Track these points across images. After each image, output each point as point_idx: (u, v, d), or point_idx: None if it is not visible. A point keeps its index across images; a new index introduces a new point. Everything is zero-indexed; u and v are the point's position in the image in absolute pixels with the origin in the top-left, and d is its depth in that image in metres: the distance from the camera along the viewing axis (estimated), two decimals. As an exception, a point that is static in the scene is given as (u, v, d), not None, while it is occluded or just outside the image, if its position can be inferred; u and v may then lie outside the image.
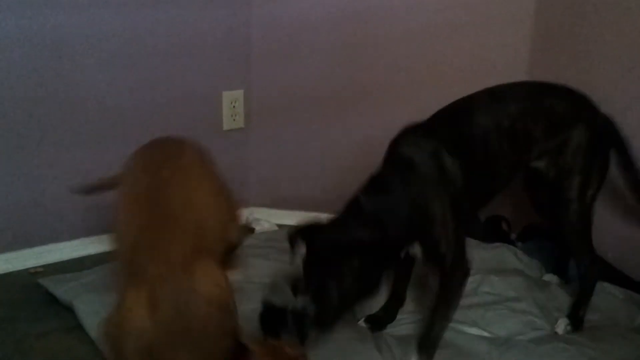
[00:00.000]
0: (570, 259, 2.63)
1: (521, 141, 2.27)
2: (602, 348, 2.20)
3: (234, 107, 3.28)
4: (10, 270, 2.85)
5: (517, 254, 2.82)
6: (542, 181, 2.41)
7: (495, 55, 3.01)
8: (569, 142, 2.31)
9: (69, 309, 2.49)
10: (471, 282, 2.31)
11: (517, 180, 2.48)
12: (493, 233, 2.96)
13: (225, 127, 3.30)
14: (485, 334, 2.32)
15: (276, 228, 3.29)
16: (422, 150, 2.11)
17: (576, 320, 2.37)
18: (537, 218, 2.80)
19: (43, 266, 2.88)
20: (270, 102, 3.31)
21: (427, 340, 2.14)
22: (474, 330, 2.31)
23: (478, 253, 2.62)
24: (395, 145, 2.16)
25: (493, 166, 2.24)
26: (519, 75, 2.83)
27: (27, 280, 2.76)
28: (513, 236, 3.01)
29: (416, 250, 2.12)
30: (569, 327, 2.35)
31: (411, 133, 2.17)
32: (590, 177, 2.33)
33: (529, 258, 2.82)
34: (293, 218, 3.34)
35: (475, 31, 3.01)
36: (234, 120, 3.31)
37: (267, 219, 3.36)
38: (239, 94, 3.29)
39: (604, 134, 2.37)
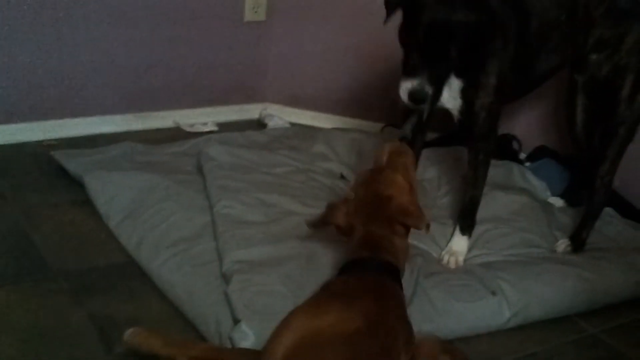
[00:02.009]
0: (581, 185, 2.65)
1: (580, 17, 2.24)
2: (599, 271, 2.24)
3: (256, -1, 3.25)
4: (24, 140, 2.89)
5: (525, 173, 2.84)
6: (590, 87, 2.39)
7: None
8: (626, 38, 2.29)
9: (79, 183, 2.54)
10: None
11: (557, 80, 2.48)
12: (503, 151, 2.96)
13: (247, 18, 3.27)
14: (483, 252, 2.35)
15: (288, 126, 3.31)
16: None
17: (578, 242, 2.40)
18: (547, 140, 2.79)
19: (57, 139, 2.92)
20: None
21: (466, 215, 2.27)
22: (473, 252, 2.34)
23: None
24: None
25: (547, 37, 2.22)
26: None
27: (40, 152, 2.81)
28: (522, 156, 3.01)
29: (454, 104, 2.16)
30: (568, 248, 2.38)
31: None
32: None
33: (536, 178, 2.83)
34: (306, 117, 3.40)
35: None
36: (256, 12, 3.28)
37: (280, 116, 3.38)
38: (262, -14, 3.25)
39: None
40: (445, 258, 2.24)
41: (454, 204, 2.52)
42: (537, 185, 2.81)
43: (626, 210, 2.67)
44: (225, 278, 1.96)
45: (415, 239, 2.22)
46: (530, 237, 2.41)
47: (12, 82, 2.84)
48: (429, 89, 1.98)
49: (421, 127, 2.29)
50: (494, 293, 2.05)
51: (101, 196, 2.40)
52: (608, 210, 2.61)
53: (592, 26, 2.27)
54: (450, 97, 2.14)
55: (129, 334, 1.74)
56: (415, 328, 1.73)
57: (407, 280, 2.01)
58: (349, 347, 1.52)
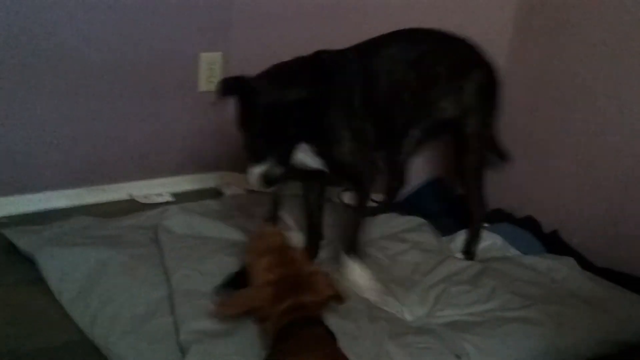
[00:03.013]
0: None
1: (426, 74, 2.43)
2: (562, 330, 2.22)
3: (211, 69, 3.25)
4: (-26, 217, 2.81)
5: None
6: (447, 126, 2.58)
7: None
8: (469, 84, 2.52)
9: (30, 261, 2.47)
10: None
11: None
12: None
13: (201, 88, 3.27)
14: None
15: (244, 193, 3.28)
16: (343, 59, 2.30)
17: (470, 254, 2.71)
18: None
19: (7, 217, 2.84)
20: (249, 67, 3.26)
21: (351, 243, 2.37)
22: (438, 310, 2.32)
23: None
24: (317, 53, 2.29)
25: (398, 96, 2.38)
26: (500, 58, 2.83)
27: (-9, 229, 2.73)
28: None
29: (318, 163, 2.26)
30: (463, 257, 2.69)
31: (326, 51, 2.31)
32: (485, 116, 2.61)
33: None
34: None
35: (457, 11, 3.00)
36: (211, 82, 3.27)
37: (236, 184, 3.36)
38: (217, 56, 3.25)
39: (495, 80, 2.62)
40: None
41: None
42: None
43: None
44: (183, 350, 1.90)
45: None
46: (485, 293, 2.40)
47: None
48: (278, 170, 2.07)
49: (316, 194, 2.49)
50: (458, 357, 2.02)
51: (53, 274, 2.33)
52: (567, 259, 2.66)
53: (439, 79, 2.48)
54: (310, 159, 2.24)
55: None
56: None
57: (370, 343, 2.00)
58: None
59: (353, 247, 2.38)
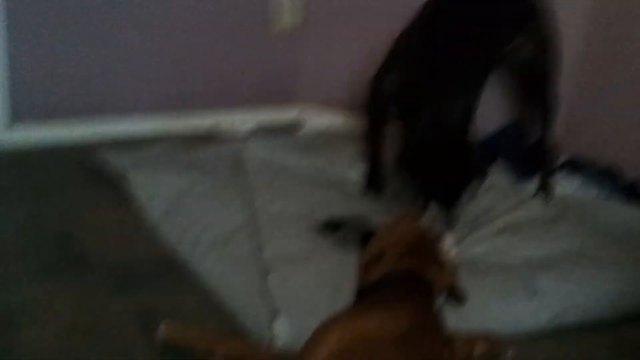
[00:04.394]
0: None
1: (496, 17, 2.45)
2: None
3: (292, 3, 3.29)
4: (68, 138, 2.96)
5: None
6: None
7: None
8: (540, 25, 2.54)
9: (120, 181, 2.59)
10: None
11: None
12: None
13: (285, 19, 3.30)
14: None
15: (324, 127, 3.33)
16: None
17: (546, 197, 2.72)
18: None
19: (99, 139, 2.98)
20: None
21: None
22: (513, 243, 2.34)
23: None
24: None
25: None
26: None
27: (83, 149, 2.86)
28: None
29: None
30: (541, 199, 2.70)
31: None
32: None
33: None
34: (342, 119, 3.42)
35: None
36: (292, 14, 3.31)
37: (317, 118, 3.40)
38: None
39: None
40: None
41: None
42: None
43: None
44: (265, 271, 1.98)
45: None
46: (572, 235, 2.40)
47: (58, 79, 2.90)
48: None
49: None
50: (533, 295, 2.03)
51: (142, 193, 2.45)
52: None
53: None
54: None
55: (163, 328, 1.77)
56: (450, 326, 1.74)
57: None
58: (398, 350, 1.54)
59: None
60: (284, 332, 1.76)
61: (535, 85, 2.68)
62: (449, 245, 2.24)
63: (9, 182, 2.57)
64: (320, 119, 3.40)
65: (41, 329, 1.81)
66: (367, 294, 1.80)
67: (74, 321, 1.86)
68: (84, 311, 1.91)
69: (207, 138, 3.06)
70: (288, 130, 3.20)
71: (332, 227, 2.18)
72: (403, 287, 1.77)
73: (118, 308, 1.94)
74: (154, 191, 2.44)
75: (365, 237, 2.03)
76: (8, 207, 2.40)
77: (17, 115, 2.89)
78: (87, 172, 2.71)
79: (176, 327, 1.77)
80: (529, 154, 2.97)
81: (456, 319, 1.89)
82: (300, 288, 1.90)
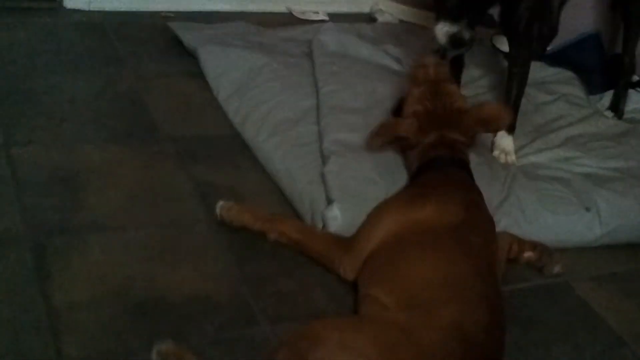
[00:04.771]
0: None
1: None
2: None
3: None
4: (144, 9, 2.99)
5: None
6: None
7: None
8: None
9: (191, 55, 2.63)
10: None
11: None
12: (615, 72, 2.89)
13: None
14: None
15: (397, 22, 3.29)
16: None
17: (617, 113, 2.64)
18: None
19: (174, 12, 3.00)
20: None
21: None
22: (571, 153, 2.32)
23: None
24: None
25: None
26: None
27: (157, 22, 2.89)
28: (635, 79, 2.91)
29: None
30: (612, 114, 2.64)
31: None
32: None
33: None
34: (416, 15, 3.36)
35: None
36: None
37: (390, 12, 3.35)
38: None
39: None
40: (496, 154, 2.23)
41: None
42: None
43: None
44: (323, 158, 2.02)
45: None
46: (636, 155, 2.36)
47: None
48: (468, 34, 1.96)
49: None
50: (588, 209, 2.03)
51: (212, 70, 2.48)
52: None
53: None
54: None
55: (220, 207, 1.83)
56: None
57: (501, 186, 2.04)
58: (450, 240, 1.57)
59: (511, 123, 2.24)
60: (337, 219, 1.81)
61: None
62: (508, 149, 2.22)
63: (87, 49, 2.63)
64: (392, 14, 3.34)
65: (104, 193, 1.90)
66: (420, 176, 1.84)
67: (136, 188, 1.94)
68: (147, 179, 1.99)
69: (279, 22, 3.05)
70: (360, 22, 3.16)
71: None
72: (448, 170, 1.81)
73: (180, 180, 2.01)
74: (224, 69, 2.46)
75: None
76: (85, 73, 2.47)
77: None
78: (163, 43, 2.75)
79: (232, 207, 1.83)
80: (606, 68, 2.89)
81: (509, 226, 1.91)
82: (357, 178, 1.93)
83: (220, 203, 1.84)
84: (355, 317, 1.54)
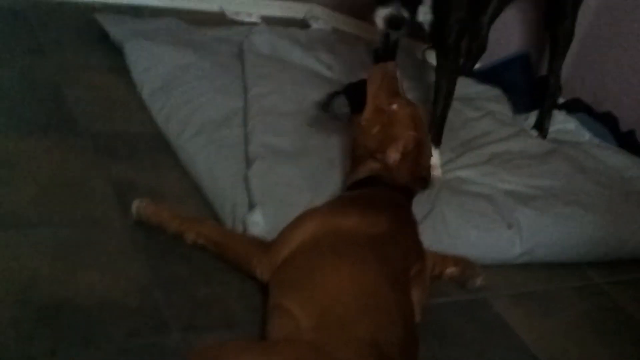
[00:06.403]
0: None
1: None
2: (617, 221, 2.23)
3: None
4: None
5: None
6: None
7: None
8: None
9: (117, 49, 2.54)
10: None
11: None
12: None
13: None
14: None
15: (330, 30, 3.28)
16: None
17: (542, 132, 2.71)
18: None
19: (102, 3, 2.91)
20: None
21: (433, 127, 2.26)
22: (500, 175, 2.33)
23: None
24: None
25: None
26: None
27: (84, 13, 2.79)
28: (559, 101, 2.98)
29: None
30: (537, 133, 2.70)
31: None
32: None
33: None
34: (350, 25, 3.36)
35: None
36: None
37: (324, 19, 3.34)
38: None
39: None
40: None
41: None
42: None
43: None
44: (248, 161, 1.97)
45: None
46: (559, 174, 2.38)
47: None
48: (405, 14, 2.02)
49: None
50: (510, 226, 2.04)
51: (138, 65, 2.41)
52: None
53: None
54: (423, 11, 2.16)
55: (136, 205, 1.77)
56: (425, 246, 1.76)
57: (424, 198, 2.03)
58: (369, 251, 1.54)
59: (435, 136, 2.28)
60: (259, 224, 1.77)
61: (553, 18, 2.61)
62: (434, 163, 2.21)
63: (6, 37, 2.52)
64: (326, 21, 3.33)
65: (15, 186, 1.80)
66: (354, 188, 1.82)
67: (49, 183, 1.86)
68: (62, 175, 1.91)
69: (211, 21, 2.99)
70: (293, 26, 3.13)
71: (325, 102, 2.15)
72: (388, 192, 1.78)
73: (96, 177, 1.93)
74: (150, 65, 2.39)
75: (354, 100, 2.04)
76: (4, 62, 2.36)
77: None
78: (88, 35, 2.65)
79: (149, 206, 1.77)
80: (533, 88, 2.94)
81: (432, 240, 1.90)
82: (281, 183, 1.89)
83: (137, 201, 1.77)
84: (263, 342, 1.48)
